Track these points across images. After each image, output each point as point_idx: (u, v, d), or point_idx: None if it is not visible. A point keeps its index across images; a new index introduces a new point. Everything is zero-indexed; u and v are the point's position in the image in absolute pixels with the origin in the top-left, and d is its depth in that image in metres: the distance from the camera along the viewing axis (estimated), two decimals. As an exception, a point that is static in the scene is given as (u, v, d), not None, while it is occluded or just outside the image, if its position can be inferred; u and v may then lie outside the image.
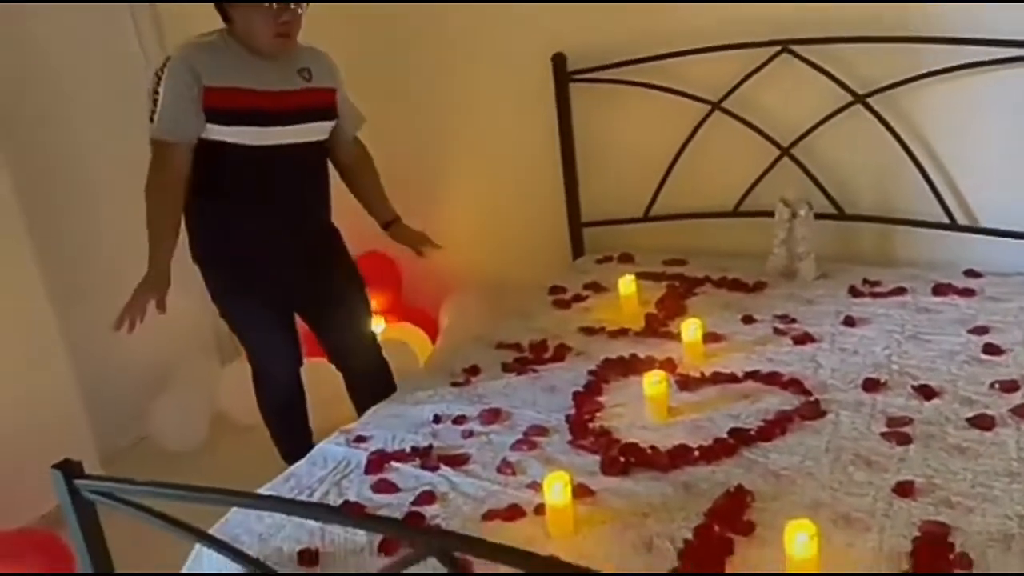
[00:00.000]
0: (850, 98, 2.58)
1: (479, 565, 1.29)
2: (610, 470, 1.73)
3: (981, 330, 2.15)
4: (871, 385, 1.95)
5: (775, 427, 1.82)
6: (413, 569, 1.21)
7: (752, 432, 1.81)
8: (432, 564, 1.17)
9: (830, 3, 2.52)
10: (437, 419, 2.03)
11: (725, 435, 1.81)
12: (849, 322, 2.28)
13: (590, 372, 2.17)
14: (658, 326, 2.40)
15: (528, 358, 2.32)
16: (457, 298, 3.32)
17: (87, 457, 1.73)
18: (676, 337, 2.28)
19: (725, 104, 2.75)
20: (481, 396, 2.13)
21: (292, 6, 2.13)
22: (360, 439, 1.98)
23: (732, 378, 2.06)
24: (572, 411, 1.99)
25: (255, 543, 1.62)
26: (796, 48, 2.59)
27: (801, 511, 1.51)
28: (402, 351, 3.04)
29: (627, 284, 2.57)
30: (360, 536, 1.59)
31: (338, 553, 1.57)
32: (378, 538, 1.56)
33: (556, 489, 1.55)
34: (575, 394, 2.06)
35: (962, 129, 2.52)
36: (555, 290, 2.77)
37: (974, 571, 1.36)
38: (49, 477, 1.51)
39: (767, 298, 2.52)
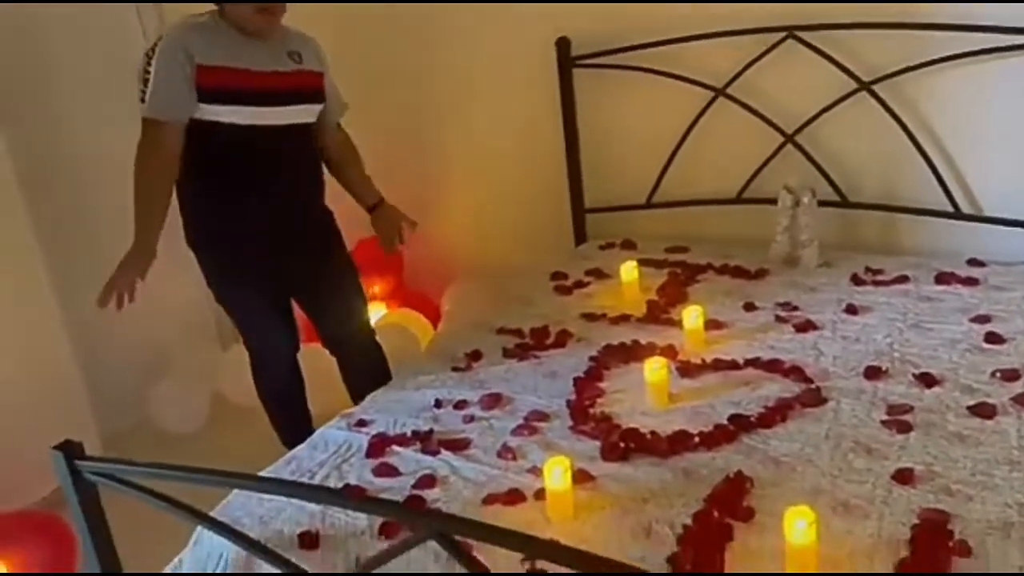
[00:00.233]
0: (855, 85, 2.57)
1: (479, 548, 1.30)
2: (610, 456, 1.73)
3: (983, 319, 2.15)
4: (872, 373, 1.95)
5: (775, 414, 1.82)
6: (413, 552, 1.21)
7: (752, 419, 1.81)
8: (432, 547, 1.17)
9: (836, -11, 2.51)
10: (438, 404, 2.03)
11: (725, 422, 1.81)
12: (851, 310, 2.28)
13: (591, 358, 2.17)
14: (659, 313, 2.40)
15: (529, 344, 2.32)
16: (459, 283, 3.32)
17: (88, 439, 1.73)
18: (677, 324, 2.27)
19: (729, 90, 2.74)
20: (482, 381, 2.13)
21: None
22: (361, 423, 1.99)
23: (733, 365, 2.06)
24: (573, 397, 1.99)
25: (256, 525, 1.62)
26: (801, 34, 2.58)
27: (800, 498, 1.51)
28: (403, 336, 3.04)
29: (629, 271, 2.57)
30: (360, 519, 1.59)
31: (339, 536, 1.58)
32: (378, 521, 1.57)
33: (556, 474, 1.56)
34: (576, 380, 2.06)
35: (968, 117, 2.51)
36: (557, 276, 2.77)
37: (973, 559, 1.36)
38: (50, 459, 1.51)
39: (769, 285, 2.52)
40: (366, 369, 2.48)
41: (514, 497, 1.64)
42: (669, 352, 2.13)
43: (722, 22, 2.65)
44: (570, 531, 1.51)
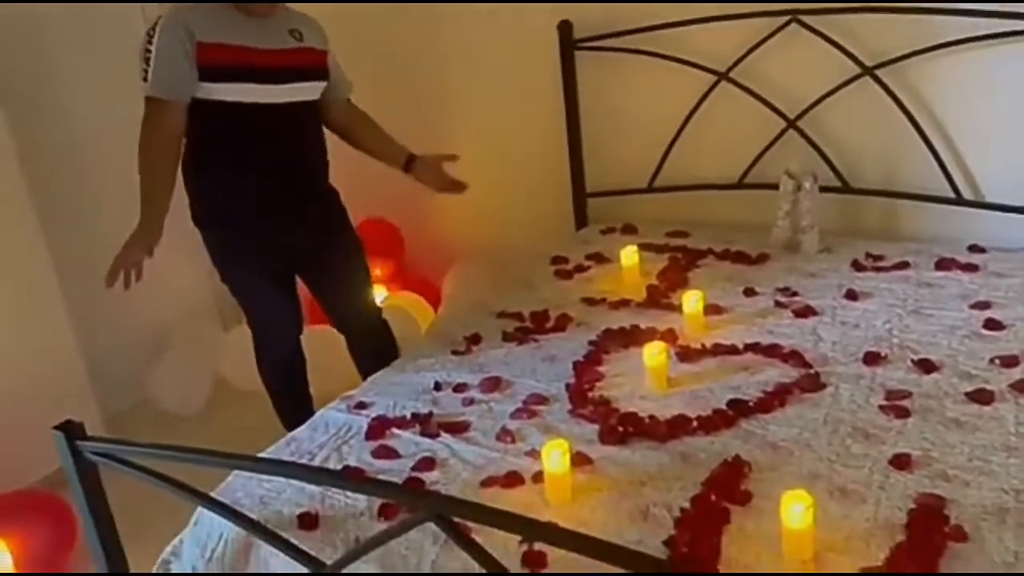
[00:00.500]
0: (858, 70, 2.56)
1: (477, 530, 1.31)
2: (608, 439, 1.74)
3: (983, 305, 2.15)
4: (871, 359, 1.95)
5: (774, 399, 1.83)
6: (412, 533, 1.22)
7: (751, 403, 1.82)
8: (431, 529, 1.18)
9: (840, -27, 2.49)
10: (438, 387, 2.04)
11: (724, 406, 1.81)
12: (851, 296, 2.28)
13: (591, 342, 2.17)
14: (659, 297, 2.40)
15: (529, 327, 2.32)
16: (459, 267, 3.32)
17: (89, 420, 1.74)
18: (677, 309, 2.28)
19: (732, 74, 2.73)
20: (482, 365, 2.14)
21: None
22: (361, 405, 1.99)
23: (732, 350, 2.06)
24: (572, 380, 2.00)
25: (256, 506, 1.63)
26: (805, 18, 2.56)
27: (798, 482, 1.52)
28: (404, 319, 3.04)
29: (629, 255, 2.57)
30: (360, 500, 1.60)
31: (338, 517, 1.59)
32: (378, 502, 1.58)
33: (555, 457, 1.56)
34: (575, 364, 2.07)
35: (970, 103, 2.50)
36: (557, 260, 2.77)
37: (968, 544, 1.37)
38: (51, 439, 1.52)
39: (769, 270, 2.52)
40: (375, 347, 2.48)
41: (513, 480, 1.64)
42: (669, 337, 2.14)
43: (726, 6, 2.64)
44: (568, 514, 1.52)
